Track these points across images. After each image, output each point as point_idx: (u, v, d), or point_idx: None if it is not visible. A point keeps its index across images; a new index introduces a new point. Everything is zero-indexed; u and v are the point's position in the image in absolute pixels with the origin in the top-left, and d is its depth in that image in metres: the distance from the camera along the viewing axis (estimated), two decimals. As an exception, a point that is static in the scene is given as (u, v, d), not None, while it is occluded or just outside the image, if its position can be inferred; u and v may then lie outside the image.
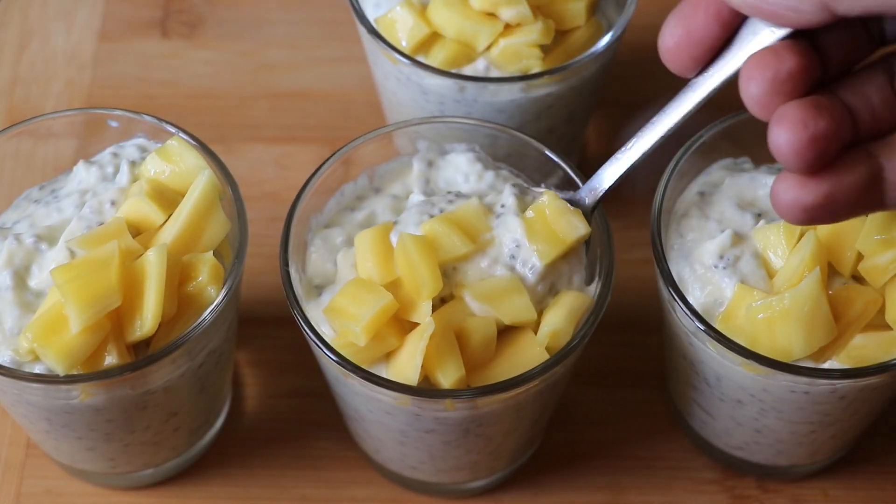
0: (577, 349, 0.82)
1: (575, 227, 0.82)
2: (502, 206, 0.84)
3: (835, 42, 0.72)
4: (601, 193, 0.83)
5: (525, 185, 0.87)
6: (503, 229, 0.83)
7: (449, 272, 0.82)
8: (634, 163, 0.81)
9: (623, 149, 0.81)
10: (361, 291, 0.81)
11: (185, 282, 0.82)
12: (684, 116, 0.78)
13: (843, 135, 0.69)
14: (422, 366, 0.79)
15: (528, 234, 0.82)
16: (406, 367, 0.80)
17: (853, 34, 0.72)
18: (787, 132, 0.68)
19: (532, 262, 0.82)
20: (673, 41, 0.74)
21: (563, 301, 0.83)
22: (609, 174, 0.83)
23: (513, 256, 0.82)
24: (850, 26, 0.71)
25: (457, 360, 0.80)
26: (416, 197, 0.88)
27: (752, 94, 0.70)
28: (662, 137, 0.79)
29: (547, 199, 0.83)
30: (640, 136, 0.80)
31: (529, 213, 0.83)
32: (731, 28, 0.73)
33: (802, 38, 0.71)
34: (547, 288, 0.83)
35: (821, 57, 0.71)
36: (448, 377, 0.79)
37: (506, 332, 0.83)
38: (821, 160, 0.68)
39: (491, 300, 0.81)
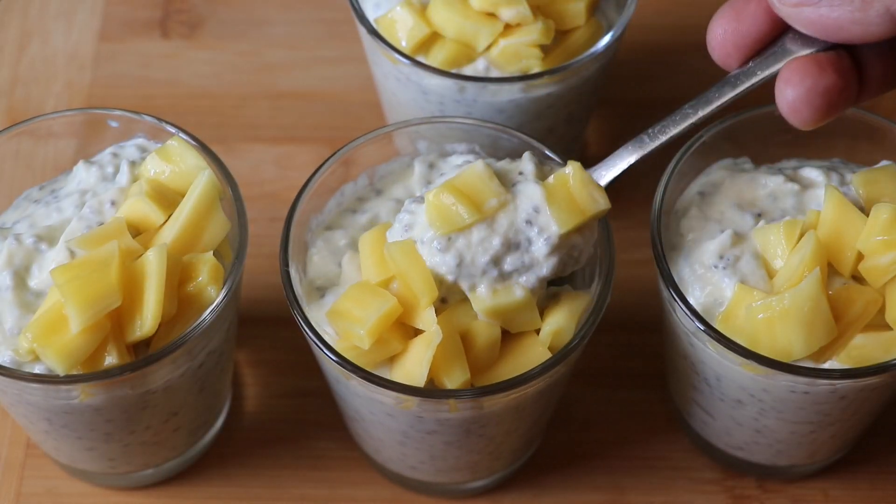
0: (579, 348, 0.82)
1: (596, 201, 0.82)
2: (520, 172, 0.83)
3: (878, 59, 0.73)
4: (619, 172, 0.84)
5: (542, 153, 0.86)
6: (521, 196, 0.81)
7: (457, 250, 0.81)
8: (657, 147, 0.82)
9: (649, 131, 0.82)
10: (365, 295, 0.81)
11: (185, 282, 0.82)
12: (715, 109, 0.80)
13: (848, 91, 0.71)
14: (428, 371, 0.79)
15: (549, 200, 0.81)
16: (412, 373, 0.80)
17: None
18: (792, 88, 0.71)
19: (550, 230, 0.80)
20: (721, 30, 0.76)
21: (564, 301, 0.83)
22: (629, 155, 0.83)
23: (529, 222, 0.81)
24: None
25: (462, 365, 0.80)
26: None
27: (786, 98, 0.72)
28: (691, 125, 0.81)
29: (572, 170, 0.82)
30: (668, 123, 0.81)
31: (551, 179, 0.82)
32: (779, 27, 0.75)
33: (847, 52, 0.72)
34: (559, 262, 0.81)
35: (861, 75, 0.72)
36: (454, 381, 0.79)
37: (508, 333, 0.83)
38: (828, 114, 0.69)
39: (500, 317, 0.81)
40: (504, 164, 0.84)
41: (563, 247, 0.81)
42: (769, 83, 0.77)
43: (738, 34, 0.76)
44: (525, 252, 0.81)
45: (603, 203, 0.82)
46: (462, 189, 0.81)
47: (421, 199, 0.82)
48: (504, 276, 0.81)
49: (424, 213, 0.81)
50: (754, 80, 0.78)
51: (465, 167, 0.82)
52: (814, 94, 0.72)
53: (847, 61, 0.73)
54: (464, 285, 0.81)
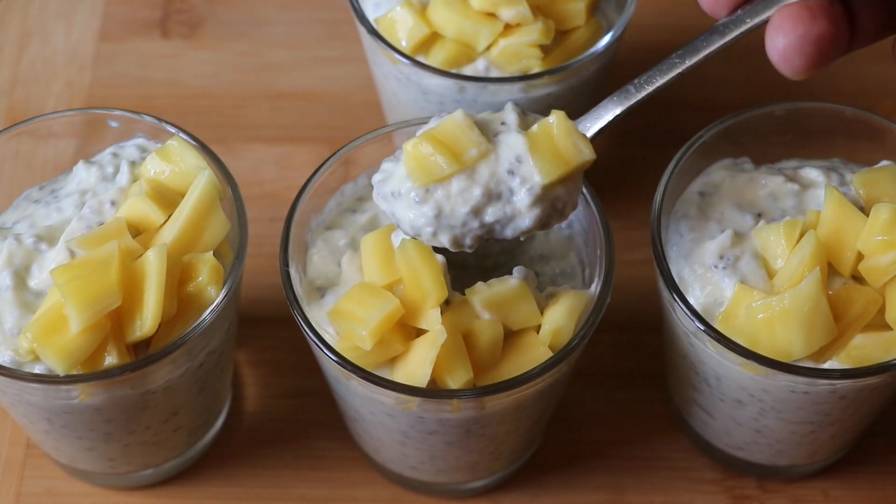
0: (579, 347, 0.82)
1: (580, 151, 0.79)
2: (503, 123, 0.80)
3: (869, 6, 0.72)
4: (604, 123, 0.81)
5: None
6: (503, 146, 0.79)
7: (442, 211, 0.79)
8: (643, 97, 0.80)
9: (635, 81, 0.80)
10: (368, 295, 0.80)
11: (185, 282, 0.82)
12: (703, 58, 0.78)
13: (840, 39, 0.69)
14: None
15: (532, 149, 0.78)
16: (415, 373, 0.80)
17: (890, 4, 0.72)
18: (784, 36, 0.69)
19: (533, 180, 0.78)
20: None
21: (562, 299, 0.83)
22: (615, 106, 0.81)
23: (511, 172, 0.78)
24: None
25: (465, 365, 0.80)
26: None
27: (777, 46, 0.71)
28: (679, 75, 0.79)
29: (556, 119, 0.79)
30: (655, 73, 0.80)
31: (535, 128, 0.79)
32: None
33: (839, 1, 0.71)
34: (542, 214, 0.79)
35: (852, 23, 0.71)
36: (457, 381, 0.79)
37: (508, 333, 0.83)
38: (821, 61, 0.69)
39: (498, 308, 0.81)
40: (486, 115, 0.81)
41: (547, 198, 0.79)
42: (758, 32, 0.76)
43: None
44: (507, 203, 0.79)
45: (588, 153, 0.79)
46: (441, 139, 0.78)
47: (396, 158, 0.81)
48: (485, 228, 0.79)
49: (402, 166, 0.79)
50: (743, 27, 0.76)
51: (445, 117, 0.80)
52: (805, 41, 0.70)
53: (839, 9, 0.71)
54: (444, 239, 0.79)
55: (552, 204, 0.79)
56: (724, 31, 0.77)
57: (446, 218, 0.79)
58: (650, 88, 0.80)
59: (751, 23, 0.76)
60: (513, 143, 0.79)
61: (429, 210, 0.79)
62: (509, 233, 0.80)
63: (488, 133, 0.80)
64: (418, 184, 0.79)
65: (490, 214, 0.79)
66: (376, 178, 0.81)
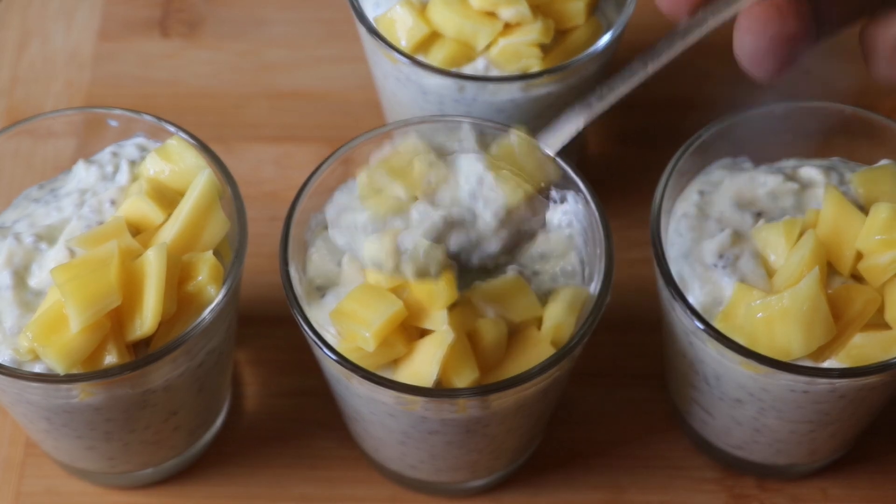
0: (581, 344, 0.82)
1: (544, 170, 0.76)
2: (459, 142, 0.77)
3: (833, 2, 0.71)
4: (568, 138, 0.77)
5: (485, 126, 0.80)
6: (463, 168, 0.75)
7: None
8: (606, 107, 0.76)
9: (596, 91, 0.77)
10: (371, 297, 0.80)
11: (184, 281, 0.82)
12: (666, 61, 0.74)
13: (809, 37, 0.67)
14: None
15: (494, 171, 0.75)
16: (421, 373, 0.79)
17: None
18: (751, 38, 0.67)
19: (497, 202, 0.75)
20: None
21: (561, 296, 0.83)
22: (577, 119, 0.77)
23: (473, 195, 0.75)
24: None
25: (471, 364, 0.80)
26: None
27: (745, 48, 0.68)
28: (641, 81, 0.75)
29: (517, 138, 0.76)
30: (617, 81, 0.76)
31: (495, 148, 0.76)
32: None
33: None
34: (509, 238, 0.76)
35: (817, 16, 0.69)
36: (463, 381, 0.79)
37: (510, 330, 0.82)
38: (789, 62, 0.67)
39: (497, 301, 0.81)
40: (443, 137, 0.78)
41: (512, 220, 0.76)
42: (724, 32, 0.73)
43: None
44: (471, 228, 0.76)
45: (552, 171, 0.76)
46: (396, 166, 0.75)
47: (350, 188, 0.77)
48: (450, 256, 0.76)
49: (357, 197, 0.76)
50: (705, 27, 0.72)
51: (400, 143, 0.77)
52: (777, 42, 0.67)
53: (804, 5, 0.69)
54: (407, 271, 0.76)
55: (518, 226, 0.76)
56: (685, 33, 0.73)
57: (408, 250, 0.76)
58: (612, 97, 0.76)
59: (713, 23, 0.72)
60: (473, 164, 0.75)
61: (388, 243, 0.75)
62: (476, 259, 0.76)
63: (446, 156, 0.76)
64: (375, 215, 0.75)
65: (454, 242, 0.76)
66: (330, 211, 0.77)
